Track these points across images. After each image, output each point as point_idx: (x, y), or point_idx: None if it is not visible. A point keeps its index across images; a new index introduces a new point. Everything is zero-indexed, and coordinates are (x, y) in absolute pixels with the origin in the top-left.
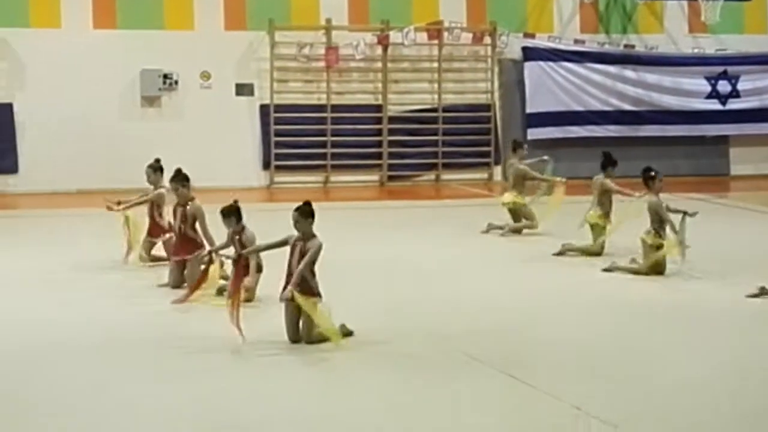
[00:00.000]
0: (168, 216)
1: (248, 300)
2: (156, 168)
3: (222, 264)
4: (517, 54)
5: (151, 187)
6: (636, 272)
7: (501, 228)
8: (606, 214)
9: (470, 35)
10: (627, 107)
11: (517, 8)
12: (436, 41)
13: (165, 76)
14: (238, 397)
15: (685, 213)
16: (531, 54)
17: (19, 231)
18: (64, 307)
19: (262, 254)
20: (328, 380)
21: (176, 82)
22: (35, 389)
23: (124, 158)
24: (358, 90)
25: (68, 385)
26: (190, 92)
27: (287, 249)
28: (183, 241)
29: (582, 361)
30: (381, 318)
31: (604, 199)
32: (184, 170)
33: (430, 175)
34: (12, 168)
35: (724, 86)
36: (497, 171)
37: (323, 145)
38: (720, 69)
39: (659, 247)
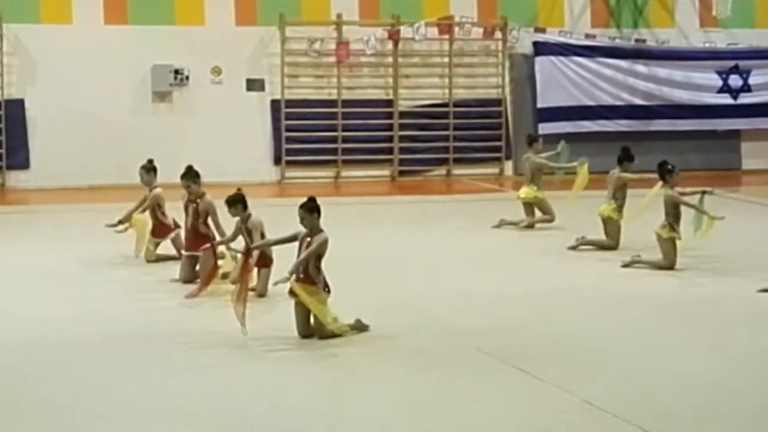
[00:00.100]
0: (172, 213)
1: (261, 295)
2: (149, 168)
3: (234, 257)
4: (528, 49)
5: (147, 188)
6: (659, 267)
7: (515, 224)
8: (620, 208)
9: (481, 30)
10: (638, 102)
11: (528, 3)
12: (446, 36)
13: (176, 72)
14: (247, 392)
15: (703, 192)
16: (542, 49)
17: (31, 226)
18: (75, 303)
19: (273, 249)
20: (338, 375)
21: (187, 78)
22: (44, 383)
23: (135, 154)
24: (368, 85)
25: (76, 379)
26: (201, 88)
27: (296, 245)
28: (195, 236)
29: (594, 356)
30: (392, 313)
31: (619, 194)
32: (195, 166)
33: (441, 170)
34: (23, 164)
35: (735, 80)
36: (508, 166)
37: (334, 140)
38: (731, 63)
39: (673, 240)
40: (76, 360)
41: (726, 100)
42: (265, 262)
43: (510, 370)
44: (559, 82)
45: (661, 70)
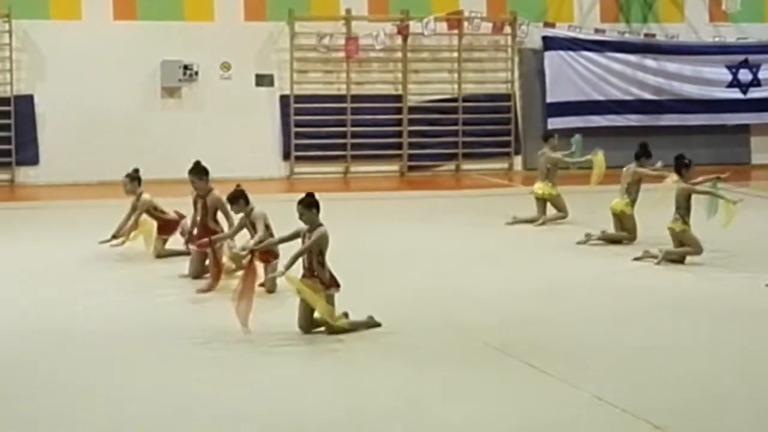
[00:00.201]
0: (181, 208)
1: (270, 291)
2: (134, 177)
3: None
4: (537, 43)
5: (132, 196)
6: (673, 260)
7: (528, 221)
8: (632, 203)
9: (490, 25)
10: (647, 96)
11: None
12: (456, 31)
13: (185, 67)
14: (254, 388)
15: (717, 177)
16: (551, 43)
17: (40, 222)
18: (84, 298)
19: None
20: (345, 371)
21: (196, 73)
22: (52, 379)
23: (144, 149)
24: (377, 80)
25: (84, 375)
26: (210, 83)
27: (299, 241)
28: (204, 231)
29: (603, 351)
30: (400, 308)
31: (632, 189)
32: (204, 161)
33: (450, 166)
34: (33, 159)
35: (745, 75)
36: (518, 161)
37: (343, 135)
38: (741, 58)
39: (685, 233)
40: (81, 356)
41: (735, 94)
42: (271, 257)
43: (519, 365)
44: (569, 77)
45: (671, 65)
